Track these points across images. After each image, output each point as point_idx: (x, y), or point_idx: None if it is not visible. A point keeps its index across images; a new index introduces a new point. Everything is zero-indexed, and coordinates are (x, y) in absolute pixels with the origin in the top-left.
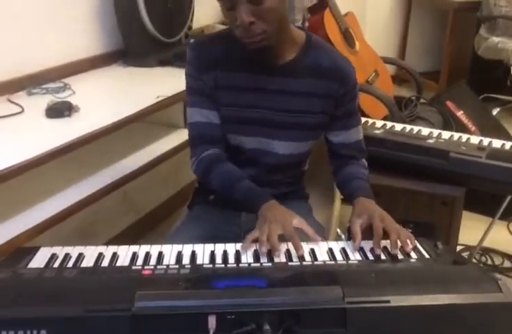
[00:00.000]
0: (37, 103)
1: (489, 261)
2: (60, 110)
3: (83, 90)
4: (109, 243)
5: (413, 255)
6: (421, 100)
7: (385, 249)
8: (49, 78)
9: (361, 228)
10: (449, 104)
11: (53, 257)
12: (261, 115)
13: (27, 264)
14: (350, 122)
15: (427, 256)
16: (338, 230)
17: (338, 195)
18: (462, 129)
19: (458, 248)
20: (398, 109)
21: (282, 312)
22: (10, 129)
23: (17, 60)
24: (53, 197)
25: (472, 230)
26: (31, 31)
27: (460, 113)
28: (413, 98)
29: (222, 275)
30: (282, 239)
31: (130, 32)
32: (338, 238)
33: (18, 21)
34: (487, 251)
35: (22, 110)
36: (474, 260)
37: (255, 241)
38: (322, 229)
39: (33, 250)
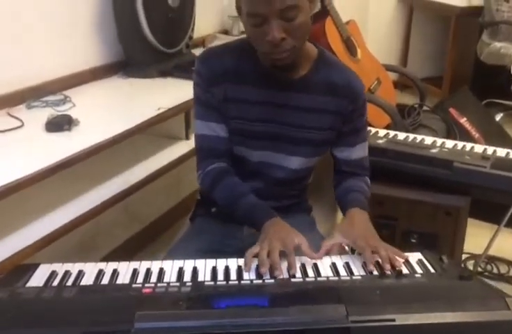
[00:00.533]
0: (37, 116)
1: (495, 270)
2: (59, 124)
3: (83, 103)
4: (111, 254)
5: (418, 269)
6: (424, 108)
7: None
8: (49, 90)
9: (334, 246)
10: (452, 110)
11: (53, 274)
12: (270, 130)
13: (26, 283)
14: (356, 139)
15: (432, 270)
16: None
17: None
18: (466, 136)
19: (463, 256)
20: (401, 117)
21: (284, 332)
22: (9, 143)
23: (17, 73)
24: (54, 212)
25: (477, 238)
26: (31, 43)
27: (463, 120)
28: (416, 106)
29: (223, 294)
30: (285, 255)
31: (131, 43)
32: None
33: (18, 34)
34: (492, 259)
35: (22, 125)
36: (479, 269)
37: (255, 256)
38: None
39: (33, 268)
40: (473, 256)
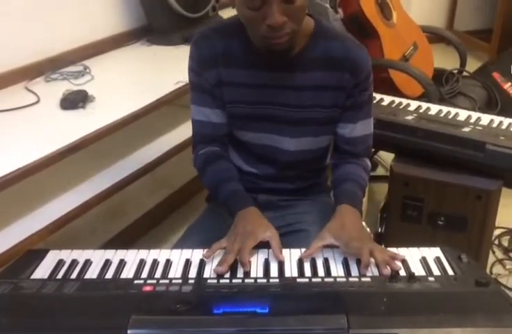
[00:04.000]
0: (54, 91)
1: None
2: (74, 102)
3: (101, 75)
4: (138, 221)
5: (434, 269)
6: (464, 73)
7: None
8: (69, 60)
9: (322, 246)
10: (495, 75)
11: (59, 264)
12: (267, 112)
13: (32, 273)
14: (359, 115)
15: (450, 271)
16: (364, 224)
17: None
18: (509, 103)
19: (497, 231)
20: (439, 84)
21: None
22: (24, 122)
23: (35, 44)
24: (82, 185)
25: None
26: (49, 11)
27: (507, 86)
28: (455, 72)
29: (222, 298)
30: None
31: (152, 9)
32: None
33: (34, 2)
34: None
35: (38, 100)
36: None
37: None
38: None
39: (42, 254)
40: (508, 231)
